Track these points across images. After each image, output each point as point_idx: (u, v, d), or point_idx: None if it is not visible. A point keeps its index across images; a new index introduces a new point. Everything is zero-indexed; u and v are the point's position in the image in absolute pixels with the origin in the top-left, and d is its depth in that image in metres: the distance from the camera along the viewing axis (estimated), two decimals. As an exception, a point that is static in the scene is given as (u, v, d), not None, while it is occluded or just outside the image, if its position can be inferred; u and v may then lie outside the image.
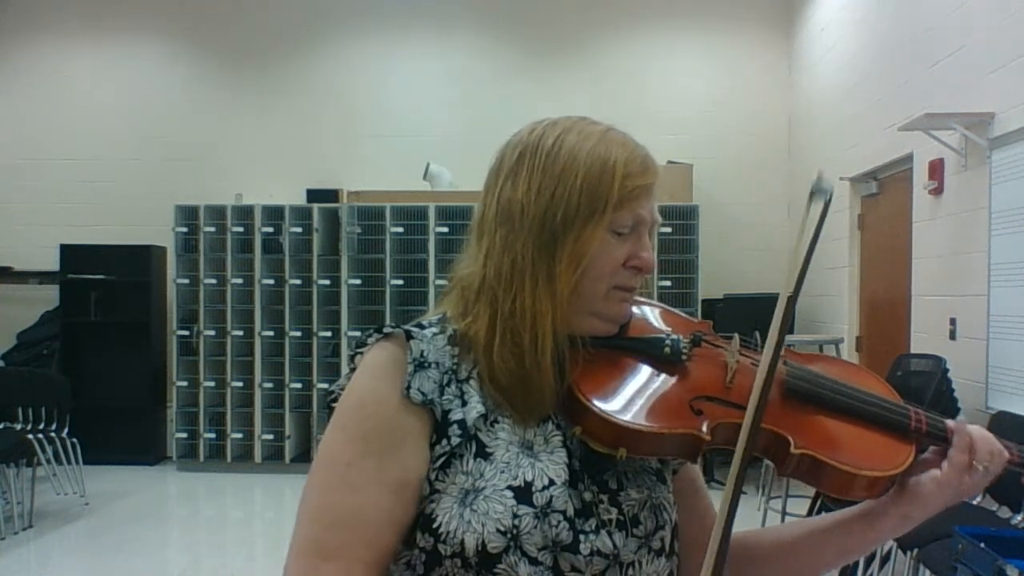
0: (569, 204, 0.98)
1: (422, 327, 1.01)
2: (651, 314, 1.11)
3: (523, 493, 0.93)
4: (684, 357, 1.03)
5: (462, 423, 0.96)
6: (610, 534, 0.97)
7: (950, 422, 1.04)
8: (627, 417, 0.95)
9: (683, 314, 1.14)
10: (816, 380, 1.05)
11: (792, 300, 0.95)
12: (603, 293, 1.01)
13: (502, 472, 0.94)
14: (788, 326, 0.98)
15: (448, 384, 0.98)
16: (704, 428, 0.96)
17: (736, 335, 1.08)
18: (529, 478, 0.94)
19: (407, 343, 0.98)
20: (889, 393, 1.08)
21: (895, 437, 1.02)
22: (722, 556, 0.88)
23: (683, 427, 0.96)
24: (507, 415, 0.98)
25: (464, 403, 0.97)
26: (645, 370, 1.02)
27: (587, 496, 0.97)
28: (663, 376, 1.02)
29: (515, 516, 0.92)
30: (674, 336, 1.04)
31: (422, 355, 0.97)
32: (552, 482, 0.95)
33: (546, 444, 0.98)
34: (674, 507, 1.07)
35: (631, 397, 0.98)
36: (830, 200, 0.95)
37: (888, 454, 1.00)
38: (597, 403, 0.96)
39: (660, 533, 1.02)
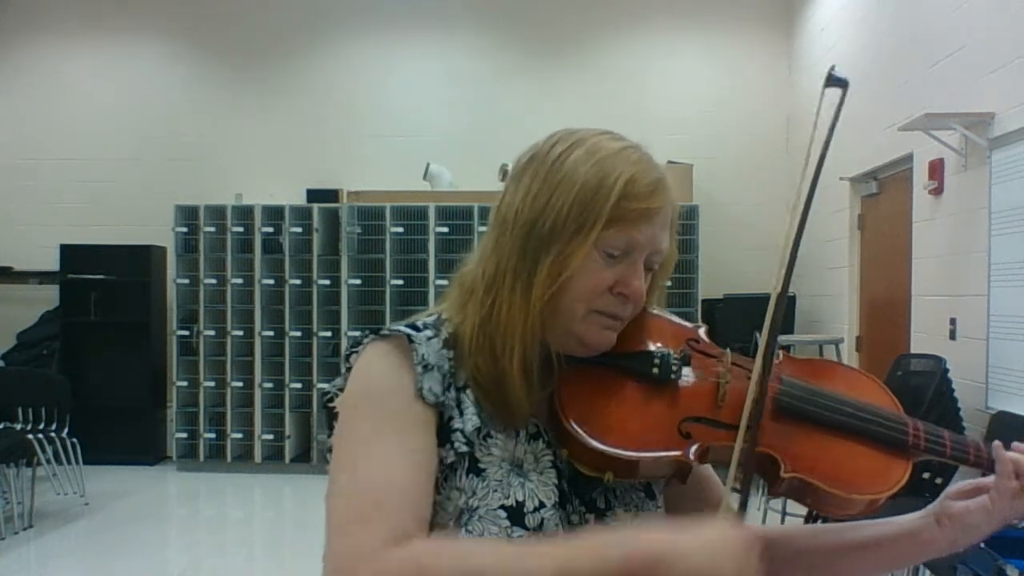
0: (559, 215, 0.95)
1: (417, 328, 1.00)
2: (642, 322, 1.06)
3: (515, 513, 0.93)
4: (673, 375, 0.99)
5: (464, 432, 0.95)
6: None
7: (996, 446, 1.02)
8: (612, 444, 0.93)
9: (676, 318, 1.10)
10: (808, 397, 1.01)
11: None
12: (580, 315, 0.97)
13: (494, 491, 0.94)
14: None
15: (448, 389, 0.96)
16: (692, 453, 0.94)
17: (728, 350, 1.05)
18: (520, 498, 0.94)
19: (410, 344, 0.96)
20: (890, 402, 1.05)
21: (891, 454, 1.00)
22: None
23: (670, 452, 0.94)
24: (499, 429, 0.97)
25: (461, 413, 0.96)
26: (632, 390, 0.99)
27: (574, 519, 0.97)
28: (651, 396, 0.99)
29: (509, 538, 0.92)
30: (663, 352, 1.00)
31: (423, 358, 0.96)
32: (543, 504, 0.95)
33: (536, 463, 0.97)
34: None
35: (617, 422, 0.96)
36: (846, 90, 0.93)
37: (882, 474, 0.98)
38: (582, 429, 0.94)
39: None
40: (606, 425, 0.95)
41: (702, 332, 1.09)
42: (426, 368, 0.95)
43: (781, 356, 1.08)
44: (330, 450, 0.97)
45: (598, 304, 0.98)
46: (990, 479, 1.03)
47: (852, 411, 1.01)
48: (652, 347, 1.03)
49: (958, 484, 1.06)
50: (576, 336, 0.99)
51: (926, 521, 1.05)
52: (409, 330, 0.99)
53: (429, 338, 0.98)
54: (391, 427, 0.91)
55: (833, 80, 0.93)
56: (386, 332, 0.98)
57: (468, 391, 0.97)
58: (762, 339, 0.94)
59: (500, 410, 0.97)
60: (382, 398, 0.93)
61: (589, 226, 0.95)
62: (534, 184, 0.98)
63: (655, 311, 1.10)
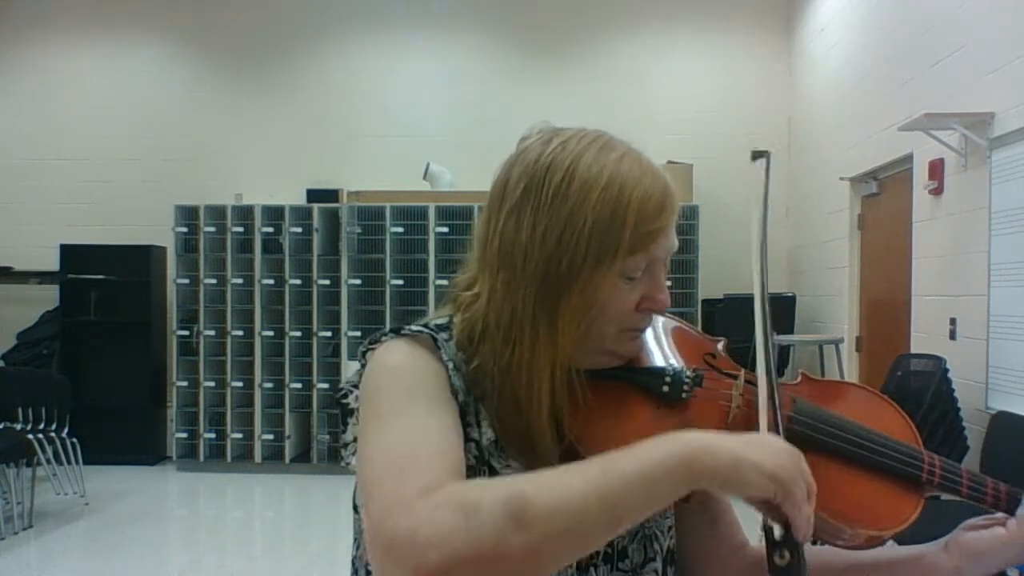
0: (576, 252, 0.90)
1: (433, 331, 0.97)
2: (659, 335, 1.04)
3: None
4: (684, 395, 0.97)
5: (478, 444, 0.92)
6: (595, 568, 0.95)
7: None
8: None
9: (695, 331, 1.08)
10: (822, 427, 0.98)
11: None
12: (612, 335, 0.95)
13: None
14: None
15: (468, 393, 0.94)
16: None
17: (743, 371, 1.01)
18: None
19: (434, 344, 0.94)
20: (908, 432, 1.02)
21: (903, 488, 0.96)
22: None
23: None
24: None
25: (478, 423, 0.93)
26: (640, 408, 0.97)
27: None
28: (659, 415, 0.96)
29: None
30: (676, 369, 0.98)
31: (451, 358, 0.93)
32: None
33: None
34: (668, 535, 1.04)
35: (622, 440, 0.92)
36: (769, 158, 0.94)
37: (892, 510, 0.94)
38: (586, 447, 0.92)
39: (651, 565, 1.00)
40: (610, 443, 0.91)
41: (720, 347, 1.06)
42: (455, 367, 0.93)
43: (801, 377, 1.06)
44: (344, 445, 0.95)
45: (626, 323, 0.96)
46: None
47: (865, 442, 0.98)
48: (667, 363, 1.00)
49: (976, 517, 1.02)
50: (607, 353, 0.97)
51: (932, 547, 1.01)
52: (432, 332, 0.96)
53: (447, 340, 0.96)
54: (422, 399, 0.88)
55: (756, 154, 0.95)
56: (407, 332, 0.95)
57: (486, 401, 0.95)
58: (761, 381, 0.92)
59: (527, 458, 0.93)
60: (408, 380, 0.90)
61: (610, 259, 0.91)
62: (539, 220, 0.92)
63: (675, 322, 1.07)
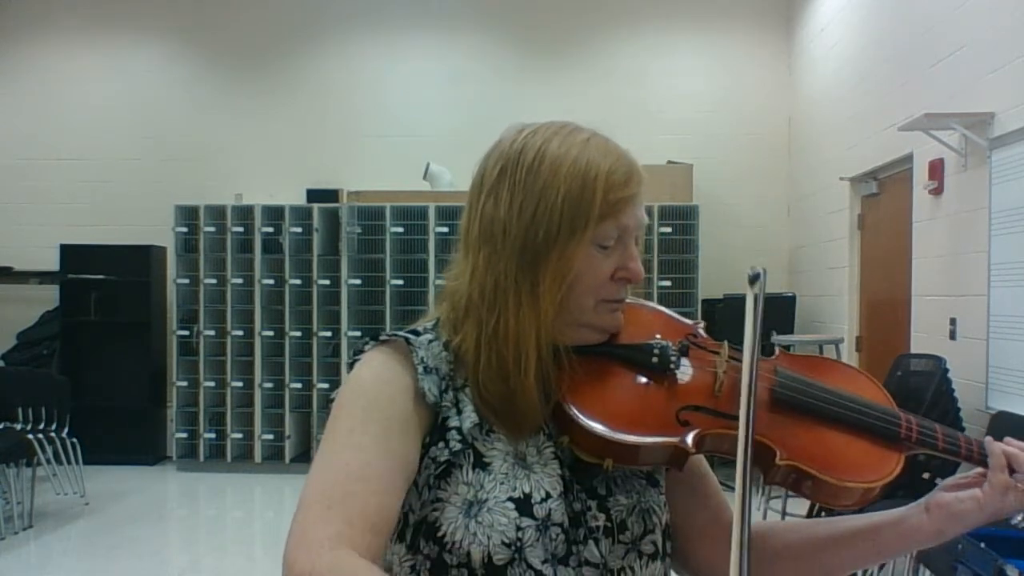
0: (551, 222, 0.97)
1: (417, 334, 1.02)
2: (642, 317, 1.09)
3: (524, 505, 0.94)
4: (672, 366, 1.02)
5: (460, 430, 0.97)
6: (596, 542, 0.98)
7: (988, 440, 1.02)
8: (612, 430, 0.95)
9: (675, 315, 1.13)
10: (804, 389, 1.03)
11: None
12: (591, 307, 1.01)
13: (501, 483, 0.95)
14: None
15: (446, 391, 0.98)
16: (689, 440, 0.96)
17: (726, 342, 1.07)
18: (527, 490, 0.95)
19: (408, 348, 0.99)
20: (883, 397, 1.07)
21: (884, 445, 1.02)
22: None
23: (668, 439, 0.96)
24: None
25: (459, 411, 0.98)
26: (632, 379, 1.02)
27: (576, 506, 0.98)
28: (651, 385, 1.02)
29: (518, 528, 0.93)
30: (662, 343, 1.03)
31: (423, 360, 0.98)
32: (549, 495, 0.96)
33: (539, 455, 0.99)
34: (665, 509, 1.06)
35: (617, 408, 0.98)
36: (764, 279, 0.99)
37: (875, 464, 1.00)
38: (583, 415, 0.96)
39: (650, 537, 1.02)
40: (606, 411, 0.97)
41: (700, 328, 1.11)
42: (426, 370, 0.98)
43: (778, 352, 1.11)
44: None
45: (603, 293, 1.01)
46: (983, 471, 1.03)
47: (846, 403, 1.03)
48: (652, 339, 1.05)
49: (955, 476, 1.06)
50: (589, 326, 1.02)
51: (914, 509, 1.05)
52: (408, 334, 1.01)
53: (430, 341, 1.01)
54: (377, 421, 0.93)
55: (752, 278, 1.02)
56: (384, 337, 1.00)
57: (467, 390, 0.99)
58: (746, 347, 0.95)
59: (510, 427, 0.98)
60: (369, 397, 0.95)
61: (582, 227, 0.98)
62: (515, 196, 0.99)
63: (656, 307, 1.13)
